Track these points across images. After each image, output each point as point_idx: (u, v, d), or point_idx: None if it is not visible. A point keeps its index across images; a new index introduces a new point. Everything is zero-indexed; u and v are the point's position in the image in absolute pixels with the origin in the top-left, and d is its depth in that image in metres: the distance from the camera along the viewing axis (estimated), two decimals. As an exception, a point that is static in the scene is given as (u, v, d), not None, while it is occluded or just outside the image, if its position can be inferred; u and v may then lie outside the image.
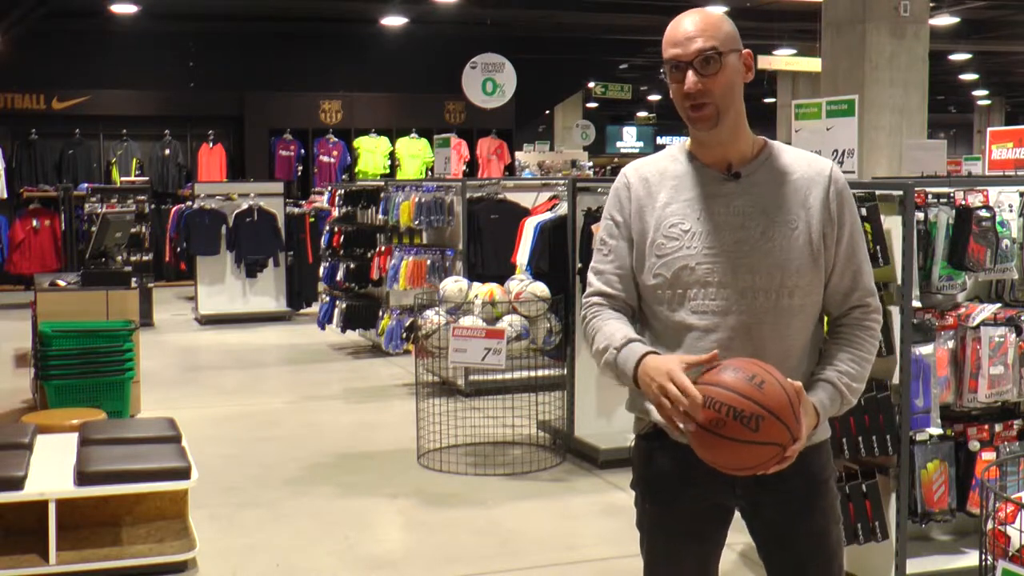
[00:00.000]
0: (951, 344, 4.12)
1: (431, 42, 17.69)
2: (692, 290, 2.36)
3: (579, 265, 6.26)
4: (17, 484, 4.40)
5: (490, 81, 13.65)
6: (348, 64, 17.71)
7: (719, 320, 2.34)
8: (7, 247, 13.97)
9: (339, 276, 9.83)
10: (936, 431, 4.06)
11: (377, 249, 9.26)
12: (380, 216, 9.14)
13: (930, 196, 4.11)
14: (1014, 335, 4.16)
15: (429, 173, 16.06)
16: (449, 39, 17.26)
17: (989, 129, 7.44)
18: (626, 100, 28.43)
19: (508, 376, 6.90)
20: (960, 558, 4.29)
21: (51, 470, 4.64)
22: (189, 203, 12.35)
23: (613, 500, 5.59)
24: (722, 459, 2.21)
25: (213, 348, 10.68)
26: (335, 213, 10.52)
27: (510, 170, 17.94)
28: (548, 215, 6.73)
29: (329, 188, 12.06)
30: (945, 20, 16.46)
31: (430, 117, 17.79)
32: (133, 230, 11.41)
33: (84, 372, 6.60)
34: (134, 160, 16.70)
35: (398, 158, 17.46)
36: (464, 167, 16.73)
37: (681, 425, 2.20)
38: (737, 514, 2.52)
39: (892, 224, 4.00)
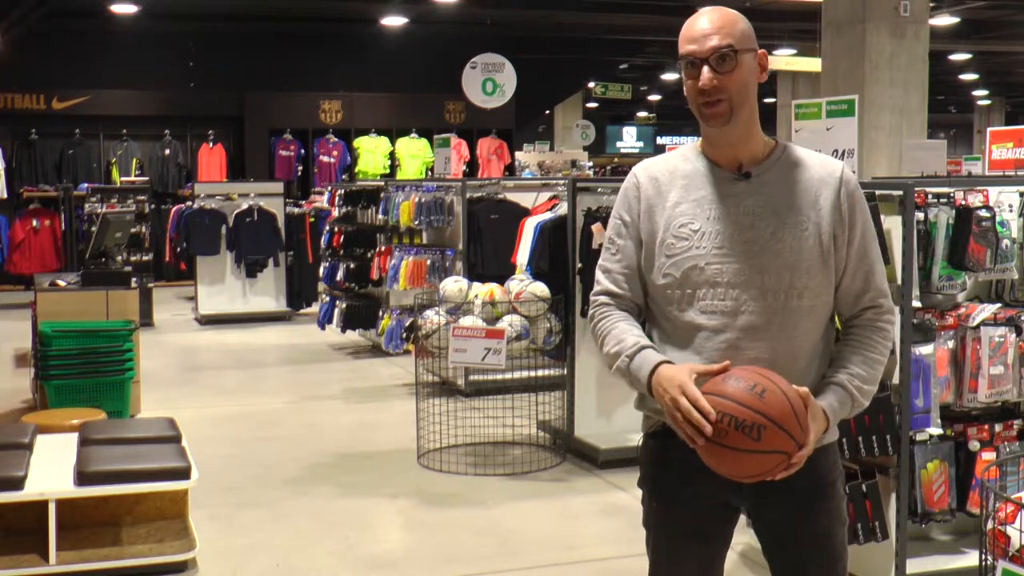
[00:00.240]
0: (951, 344, 4.12)
1: (431, 42, 17.69)
2: (701, 290, 2.35)
3: (579, 265, 6.26)
4: (17, 484, 4.40)
5: (490, 81, 13.65)
6: (348, 64, 17.71)
7: (728, 320, 2.33)
8: (7, 247, 13.97)
9: (339, 276, 9.83)
10: (936, 431, 4.06)
11: (377, 249, 9.26)
12: (380, 216, 9.14)
13: (930, 196, 4.11)
14: (1014, 335, 4.16)
15: (429, 173, 16.06)
16: (449, 39, 17.26)
17: (989, 129, 7.44)
18: (626, 100, 28.43)
19: (508, 376, 6.89)
20: (960, 558, 4.29)
21: (51, 470, 4.64)
22: (189, 203, 12.35)
23: (613, 500, 5.59)
24: (726, 468, 2.22)
25: (213, 348, 10.68)
26: (335, 213, 10.52)
27: (510, 170, 17.94)
28: (548, 215, 6.73)
29: (329, 188, 12.07)
30: (945, 20, 16.46)
31: (430, 117, 17.79)
32: (133, 230, 11.41)
33: (84, 372, 6.60)
34: (134, 160, 16.70)
35: (398, 158, 17.46)
36: (464, 167, 16.73)
37: (692, 437, 2.20)
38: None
39: (892, 224, 4.00)
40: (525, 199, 7.65)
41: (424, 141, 17.21)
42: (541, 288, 6.10)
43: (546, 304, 6.09)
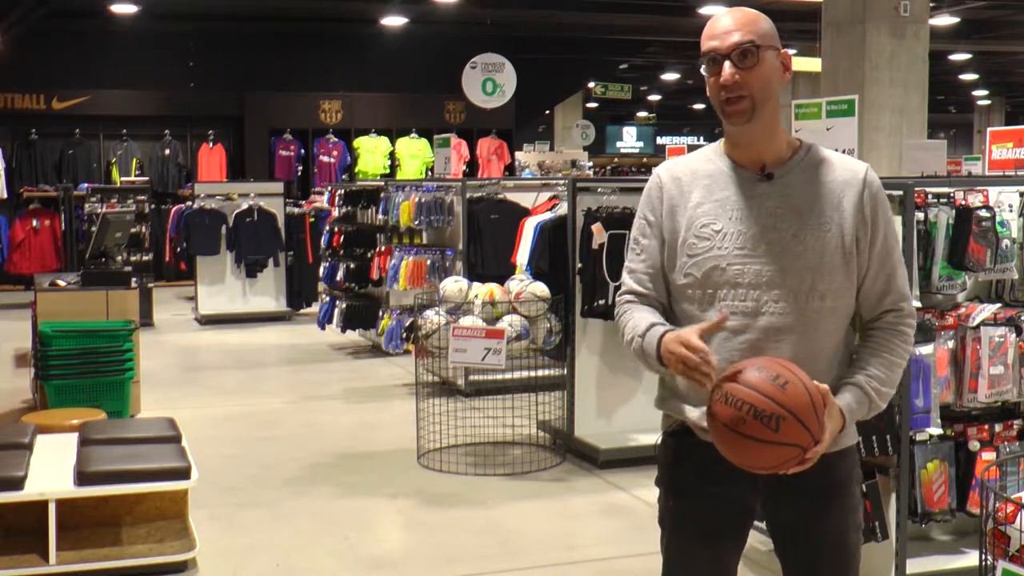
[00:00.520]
0: (951, 344, 4.12)
1: (431, 42, 17.69)
2: (722, 290, 2.36)
3: (579, 265, 6.26)
4: (17, 484, 4.40)
5: (490, 81, 13.65)
6: (348, 64, 17.71)
7: (749, 321, 2.34)
8: (7, 247, 13.97)
9: (339, 276, 9.83)
10: (936, 431, 4.06)
11: (377, 249, 9.26)
12: (380, 216, 9.14)
13: (930, 196, 4.11)
14: (1014, 335, 4.16)
15: (429, 173, 16.06)
16: (449, 39, 17.27)
17: (989, 129, 7.43)
18: (626, 100, 28.44)
19: (508, 376, 6.89)
20: (960, 558, 4.29)
21: (51, 470, 4.64)
22: (189, 203, 12.35)
23: (613, 500, 5.59)
24: (741, 457, 2.22)
25: (213, 348, 10.68)
26: (335, 213, 10.52)
27: (510, 170, 17.94)
28: (548, 215, 6.73)
29: (329, 188, 12.06)
30: (945, 20, 16.46)
31: (430, 117, 17.79)
32: (133, 230, 11.41)
33: (84, 372, 6.60)
34: (134, 160, 16.70)
35: (398, 158, 17.47)
36: (464, 167, 16.73)
37: (702, 382, 2.22)
38: None
39: (892, 224, 3.99)
40: (525, 199, 7.65)
41: (424, 141, 17.21)
42: (541, 288, 6.10)
43: (546, 304, 6.09)
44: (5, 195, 14.38)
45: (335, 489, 5.81)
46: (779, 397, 2.16)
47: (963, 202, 4.14)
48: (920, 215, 4.04)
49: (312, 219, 12.41)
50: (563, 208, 6.56)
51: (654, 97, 33.09)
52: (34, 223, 13.79)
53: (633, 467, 5.95)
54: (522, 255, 6.66)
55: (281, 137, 17.10)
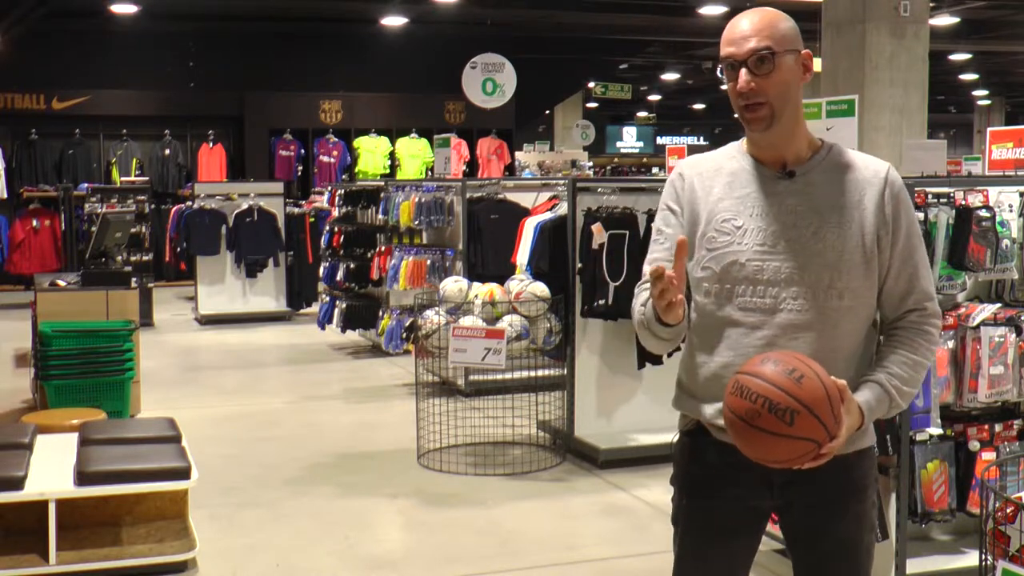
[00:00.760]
0: (951, 344, 4.12)
1: (431, 42, 17.69)
2: (740, 286, 2.35)
3: (579, 265, 6.26)
4: (17, 484, 4.40)
5: (490, 81, 13.65)
6: (348, 64, 17.71)
7: (766, 318, 2.33)
8: (7, 247, 13.97)
9: (339, 276, 9.83)
10: (936, 431, 4.06)
11: (377, 249, 9.26)
12: (380, 216, 9.14)
13: (930, 196, 4.11)
14: (1014, 335, 4.16)
15: (429, 173, 16.05)
16: (449, 39, 17.26)
17: (989, 129, 7.42)
18: (626, 100, 28.42)
19: (508, 376, 6.89)
20: (960, 558, 4.29)
21: (51, 470, 4.64)
22: (189, 203, 12.35)
23: (613, 500, 5.59)
24: (755, 450, 2.21)
25: (213, 348, 10.68)
26: (335, 213, 10.52)
27: (510, 170, 17.94)
28: (548, 215, 6.73)
29: (329, 188, 12.07)
30: (945, 20, 16.45)
31: (430, 117, 17.79)
32: (133, 230, 11.41)
33: (84, 372, 6.60)
34: (134, 160, 16.70)
35: (398, 158, 17.47)
36: (464, 167, 16.73)
37: (664, 293, 2.21)
38: None
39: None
40: (525, 199, 7.65)
41: (424, 141, 17.21)
42: (541, 288, 6.10)
43: (546, 304, 6.09)
44: (5, 195, 14.39)
45: (335, 489, 5.81)
46: (794, 391, 2.14)
47: (963, 202, 4.14)
48: (920, 215, 4.04)
49: (312, 219, 12.41)
50: (563, 208, 6.57)
51: (654, 97, 33.07)
52: (34, 223, 13.80)
53: (633, 467, 5.95)
54: (522, 255, 6.66)
55: (281, 137, 17.11)
